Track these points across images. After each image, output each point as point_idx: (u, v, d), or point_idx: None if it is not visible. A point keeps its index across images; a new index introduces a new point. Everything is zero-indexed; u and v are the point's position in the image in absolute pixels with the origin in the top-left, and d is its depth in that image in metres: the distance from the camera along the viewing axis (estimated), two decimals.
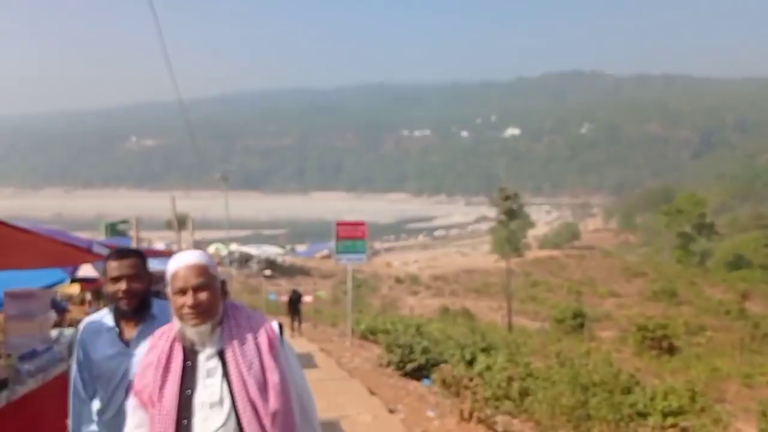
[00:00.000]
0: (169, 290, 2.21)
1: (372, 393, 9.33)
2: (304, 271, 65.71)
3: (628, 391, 12.10)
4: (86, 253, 4.75)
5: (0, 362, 4.56)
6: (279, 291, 40.00)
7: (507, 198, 49.75)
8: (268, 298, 33.11)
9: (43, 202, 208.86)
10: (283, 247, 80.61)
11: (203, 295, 2.16)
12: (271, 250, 70.37)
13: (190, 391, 2.14)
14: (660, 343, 25.03)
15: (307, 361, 12.89)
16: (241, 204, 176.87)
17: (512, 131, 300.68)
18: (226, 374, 2.15)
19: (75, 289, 9.89)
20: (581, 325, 35.13)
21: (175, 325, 2.23)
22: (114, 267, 2.72)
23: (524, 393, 9.88)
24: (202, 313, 2.15)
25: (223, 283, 2.28)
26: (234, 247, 64.33)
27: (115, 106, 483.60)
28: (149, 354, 2.26)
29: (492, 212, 54.96)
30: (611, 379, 12.41)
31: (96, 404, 2.73)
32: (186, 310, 2.15)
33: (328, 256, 65.78)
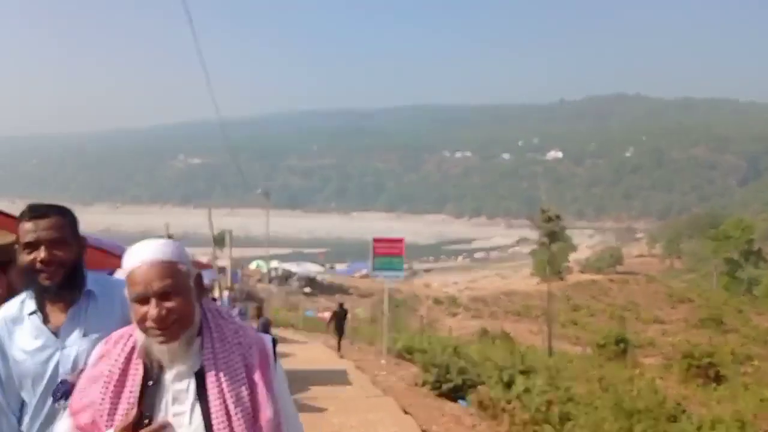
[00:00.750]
0: (126, 294, 1.62)
1: (406, 412, 9.13)
2: (343, 290, 65.78)
3: (674, 419, 11.64)
4: (116, 257, 4.72)
5: None
6: (318, 308, 40.10)
7: (549, 220, 48.98)
8: (305, 314, 33.07)
9: (92, 217, 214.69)
10: (323, 265, 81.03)
11: (172, 303, 1.58)
12: (312, 268, 70.80)
13: (149, 418, 1.57)
14: (706, 372, 24.19)
15: (341, 377, 12.77)
16: (283, 222, 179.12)
17: (554, 154, 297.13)
18: (202, 402, 1.60)
19: None
20: (624, 351, 34.18)
21: (137, 337, 1.64)
22: (28, 230, 1.98)
23: (564, 418, 9.51)
24: (172, 325, 1.57)
25: (199, 277, 1.72)
26: (275, 264, 64.89)
27: (163, 125, 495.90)
28: (99, 364, 1.68)
29: (533, 234, 54.23)
30: (656, 407, 11.95)
31: (18, 414, 2.01)
32: (150, 324, 1.56)
33: (367, 276, 65.82)
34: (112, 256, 4.86)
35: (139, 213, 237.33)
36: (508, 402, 8.85)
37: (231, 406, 1.58)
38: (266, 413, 1.63)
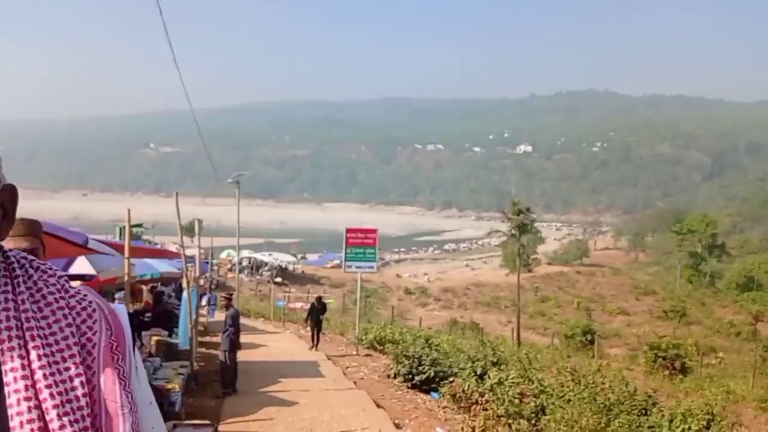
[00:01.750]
0: None
1: (378, 406, 8.99)
2: (314, 280, 65.42)
3: (644, 412, 11.72)
4: (76, 245, 4.44)
5: None
6: (288, 298, 39.77)
7: (519, 212, 49.36)
8: (276, 304, 32.75)
9: (61, 204, 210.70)
10: (295, 255, 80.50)
11: None
12: (284, 258, 70.18)
13: None
14: (672, 363, 24.60)
15: (313, 369, 12.59)
16: (255, 212, 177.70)
17: (524, 148, 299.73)
18: None
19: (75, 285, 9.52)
20: (591, 342, 34.72)
21: None
22: None
23: (539, 411, 9.48)
24: None
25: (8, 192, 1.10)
26: (246, 253, 64.19)
27: (135, 114, 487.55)
28: None
29: (503, 227, 54.59)
30: (627, 399, 12.02)
31: None
32: None
33: (338, 266, 65.53)
34: (70, 244, 4.62)
35: (108, 201, 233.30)
36: (482, 394, 8.77)
37: (48, 401, 0.92)
38: (118, 424, 0.99)
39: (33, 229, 2.16)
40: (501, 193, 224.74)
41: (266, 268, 62.66)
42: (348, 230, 15.99)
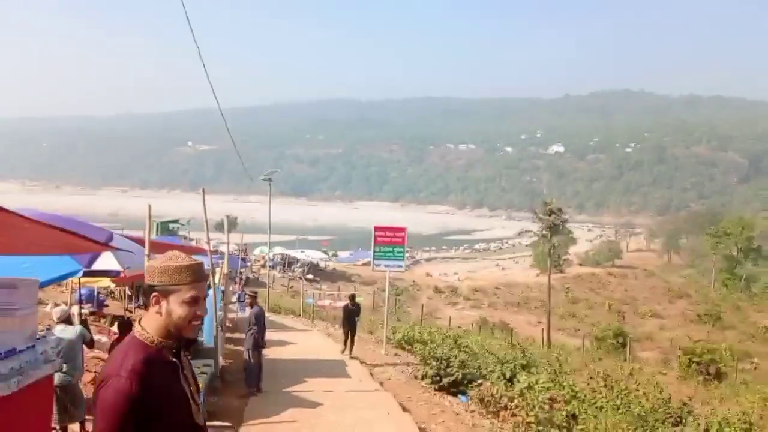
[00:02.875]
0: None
1: (404, 409, 8.78)
2: (345, 277, 65.54)
3: (679, 420, 11.33)
4: (93, 242, 4.33)
5: None
6: (320, 295, 39.93)
7: (551, 213, 48.66)
8: (306, 301, 32.82)
9: (100, 201, 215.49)
10: (326, 252, 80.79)
11: None
12: (315, 255, 70.51)
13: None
14: (707, 368, 23.98)
15: (339, 369, 12.45)
16: (288, 210, 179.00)
17: (557, 148, 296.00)
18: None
19: (104, 283, 9.58)
20: (622, 345, 34.08)
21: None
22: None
23: (570, 417, 9.17)
24: None
25: None
26: (278, 250, 64.65)
27: (173, 111, 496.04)
28: None
29: (534, 227, 53.95)
30: (662, 406, 11.63)
31: None
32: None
33: (369, 263, 65.49)
34: (92, 241, 4.54)
35: (146, 197, 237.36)
36: (511, 399, 8.52)
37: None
38: None
39: None
40: (532, 193, 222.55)
41: (298, 265, 63.00)
42: (377, 228, 15.77)
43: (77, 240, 4.18)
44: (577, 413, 9.60)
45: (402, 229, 15.89)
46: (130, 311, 19.28)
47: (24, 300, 4.58)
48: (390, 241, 15.47)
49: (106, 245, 4.48)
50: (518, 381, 10.73)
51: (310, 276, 58.97)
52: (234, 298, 24.38)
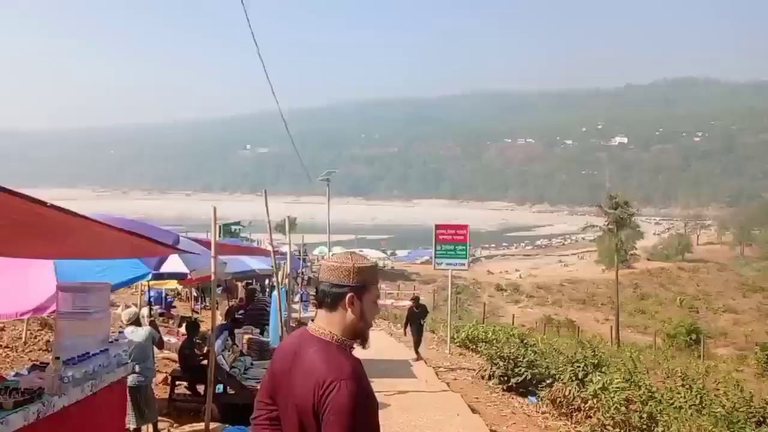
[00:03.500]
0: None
1: (473, 410, 8.55)
2: (404, 276, 65.51)
3: (762, 420, 10.73)
4: (162, 245, 4.31)
5: (50, 366, 3.93)
6: (381, 295, 39.96)
7: (616, 206, 47.27)
8: None
9: (168, 203, 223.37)
10: (385, 251, 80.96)
11: None
12: (374, 255, 70.79)
13: None
14: None
15: (405, 369, 12.30)
16: (346, 209, 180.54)
17: (620, 140, 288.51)
18: None
19: (172, 285, 9.71)
20: (696, 341, 32.83)
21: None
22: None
23: (649, 419, 8.73)
24: None
25: None
26: (337, 250, 65.13)
27: (233, 116, 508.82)
28: None
29: (599, 221, 52.52)
30: (743, 406, 11.04)
31: None
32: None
33: (428, 262, 65.28)
34: (160, 244, 4.53)
35: (209, 200, 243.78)
36: (584, 400, 8.18)
37: None
38: None
39: None
40: (595, 187, 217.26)
41: None
42: (437, 226, 15.57)
43: (146, 243, 4.17)
44: (654, 414, 9.18)
45: (463, 227, 15.66)
46: (197, 312, 19.71)
47: (96, 304, 4.67)
48: (451, 239, 15.27)
49: (173, 248, 4.47)
50: (591, 381, 10.33)
51: None
52: (296, 298, 24.62)
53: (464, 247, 15.36)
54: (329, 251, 47.47)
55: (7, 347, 9.98)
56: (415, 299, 15.57)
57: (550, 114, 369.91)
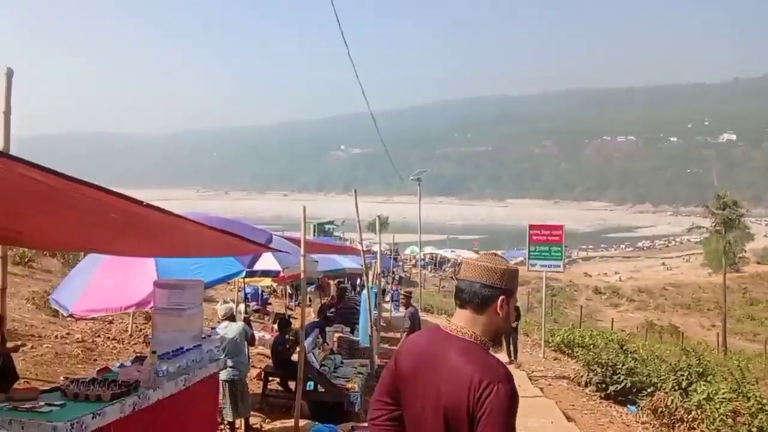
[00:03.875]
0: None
1: (569, 418, 8.22)
2: None
3: None
4: (254, 244, 4.40)
5: (147, 360, 4.11)
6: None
7: (725, 206, 44.51)
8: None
9: (265, 204, 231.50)
10: (477, 252, 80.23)
11: None
12: (466, 255, 70.10)
13: None
14: None
15: None
16: (438, 209, 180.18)
17: (728, 136, 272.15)
18: None
19: (267, 282, 9.96)
20: None
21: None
22: None
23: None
24: None
25: None
26: (429, 250, 65.05)
27: (327, 117, 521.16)
28: None
29: (705, 222, 49.66)
30: None
31: None
32: None
33: (521, 263, 63.97)
34: (250, 243, 4.63)
35: (304, 200, 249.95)
36: (688, 411, 7.71)
37: None
38: None
39: None
40: (701, 186, 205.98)
41: (449, 265, 62.98)
42: (532, 227, 15.19)
43: (239, 242, 4.27)
44: (765, 428, 8.53)
45: (559, 227, 15.20)
46: (291, 309, 20.17)
47: (191, 300, 4.81)
48: (546, 240, 14.86)
49: (264, 246, 4.56)
50: (695, 391, 9.73)
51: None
52: (387, 297, 24.73)
53: (559, 249, 14.92)
54: (420, 251, 47.39)
55: (114, 339, 10.60)
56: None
57: (651, 110, 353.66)
